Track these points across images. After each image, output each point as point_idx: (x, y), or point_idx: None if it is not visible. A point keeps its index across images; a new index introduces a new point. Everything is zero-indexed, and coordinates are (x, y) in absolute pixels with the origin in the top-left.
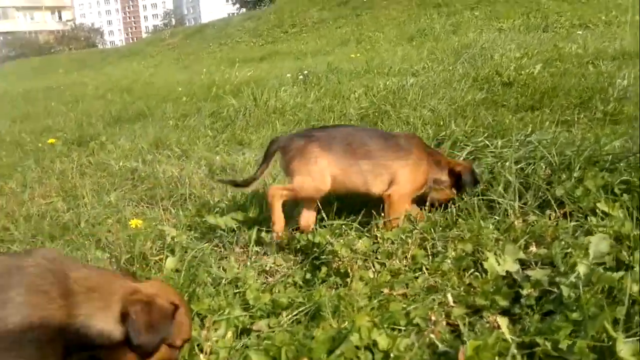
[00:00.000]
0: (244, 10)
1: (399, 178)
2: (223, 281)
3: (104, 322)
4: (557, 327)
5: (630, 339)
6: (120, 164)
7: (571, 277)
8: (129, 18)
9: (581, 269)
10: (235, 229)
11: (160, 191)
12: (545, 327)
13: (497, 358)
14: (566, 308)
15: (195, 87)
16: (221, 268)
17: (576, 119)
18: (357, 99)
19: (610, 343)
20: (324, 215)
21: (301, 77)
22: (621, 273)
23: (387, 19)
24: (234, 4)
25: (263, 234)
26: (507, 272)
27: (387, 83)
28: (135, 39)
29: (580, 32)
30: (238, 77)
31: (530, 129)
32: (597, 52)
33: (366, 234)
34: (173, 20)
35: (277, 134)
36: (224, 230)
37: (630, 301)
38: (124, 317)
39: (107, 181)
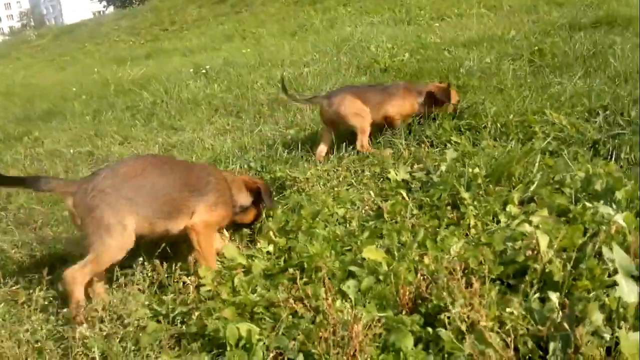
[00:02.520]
0: (112, 8)
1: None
2: None
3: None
4: (433, 193)
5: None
6: (72, 150)
7: (437, 172)
8: None
9: (442, 167)
10: None
11: None
12: (425, 194)
13: (401, 209)
14: (437, 185)
15: (89, 86)
16: None
17: None
18: (262, 88)
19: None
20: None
21: (202, 71)
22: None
23: (266, 15)
24: (100, 1)
25: None
26: (402, 179)
27: (285, 73)
28: None
29: (437, 24)
30: (131, 75)
31: None
32: (451, 41)
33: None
34: (32, 20)
35: (205, 117)
36: None
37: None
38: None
39: (66, 165)
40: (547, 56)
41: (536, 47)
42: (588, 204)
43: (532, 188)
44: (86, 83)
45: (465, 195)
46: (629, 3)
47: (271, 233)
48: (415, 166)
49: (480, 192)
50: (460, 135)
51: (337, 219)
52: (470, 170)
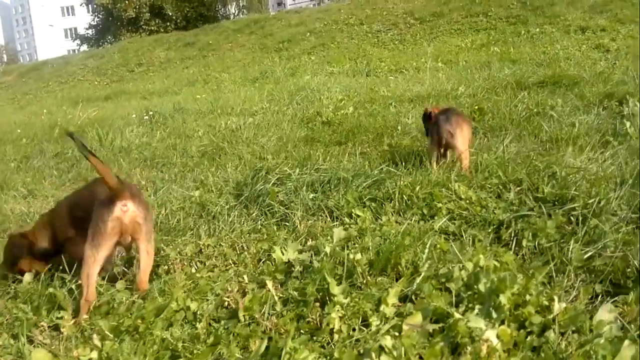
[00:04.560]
0: (85, 47)
1: None
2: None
3: None
4: (306, 283)
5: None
6: None
7: (321, 255)
8: None
9: (327, 249)
10: None
11: (12, 227)
12: (299, 284)
13: (262, 305)
14: (314, 273)
15: (35, 128)
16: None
17: (368, 151)
18: (200, 138)
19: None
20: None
21: (146, 117)
22: (348, 251)
23: (232, 60)
24: (73, 40)
25: None
26: (288, 259)
27: (228, 122)
28: None
29: (392, 77)
30: (82, 117)
31: (321, 159)
32: (400, 95)
33: (192, 241)
34: (5, 56)
35: (123, 171)
36: None
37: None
38: None
39: None
40: (487, 115)
41: (476, 106)
42: (458, 315)
43: (417, 280)
44: (34, 125)
45: (336, 290)
46: (578, 64)
47: (95, 337)
48: (309, 243)
49: (360, 283)
50: (363, 208)
51: (186, 317)
52: (352, 256)
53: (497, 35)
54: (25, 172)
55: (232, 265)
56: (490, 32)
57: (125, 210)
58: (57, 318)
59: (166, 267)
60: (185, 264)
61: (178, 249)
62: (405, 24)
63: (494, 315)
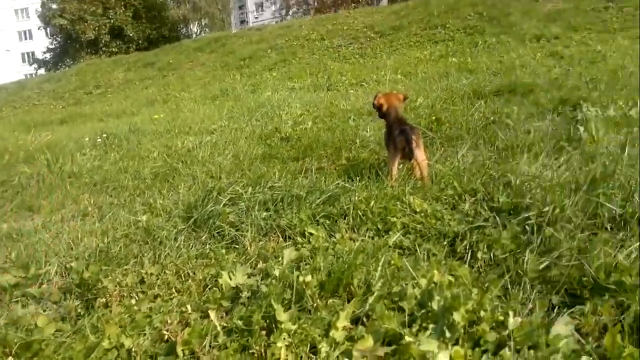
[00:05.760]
0: (43, 70)
1: None
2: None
3: None
4: (252, 311)
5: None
6: None
7: (269, 279)
8: None
9: (277, 272)
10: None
11: None
12: (245, 312)
13: (203, 337)
14: (261, 299)
15: None
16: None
17: (326, 166)
18: (154, 159)
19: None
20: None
21: (99, 140)
22: (298, 273)
23: (192, 79)
24: (31, 64)
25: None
26: (237, 284)
27: (185, 142)
28: None
29: (353, 91)
30: (35, 142)
31: (277, 177)
32: (359, 108)
33: (133, 270)
34: None
35: (73, 195)
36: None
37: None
38: None
39: None
40: (444, 125)
41: (434, 117)
42: (409, 339)
43: (369, 300)
44: None
45: (282, 316)
46: (533, 72)
47: None
48: (260, 265)
49: (311, 307)
50: (317, 226)
51: (119, 356)
52: (302, 278)
53: (455, 46)
54: None
55: (176, 294)
56: (448, 44)
57: None
58: None
59: (103, 299)
60: (125, 295)
61: (117, 280)
62: (366, 38)
63: (448, 334)
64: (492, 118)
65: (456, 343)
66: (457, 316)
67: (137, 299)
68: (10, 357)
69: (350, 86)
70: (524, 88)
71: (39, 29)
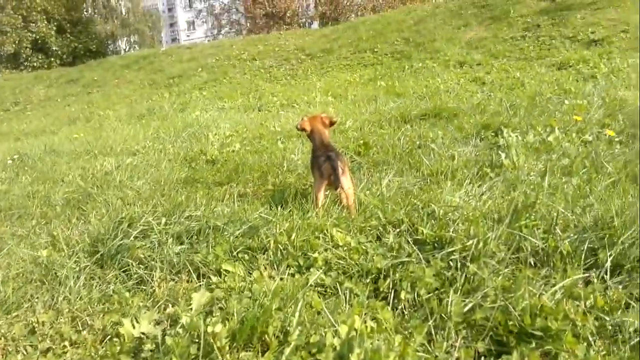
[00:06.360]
0: None
1: None
2: None
3: None
4: None
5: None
6: None
7: (177, 328)
8: None
9: (184, 320)
10: None
11: None
12: None
13: None
14: (165, 354)
15: None
16: None
17: (251, 191)
18: (68, 183)
19: None
20: None
21: (10, 161)
22: (210, 319)
23: (118, 97)
24: None
25: None
26: (142, 333)
27: (104, 164)
28: None
29: (283, 112)
30: None
31: (197, 204)
32: (289, 130)
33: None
34: None
35: None
36: None
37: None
38: None
39: None
40: (372, 149)
41: (362, 140)
42: None
43: (286, 353)
44: None
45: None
46: (457, 97)
47: None
48: (168, 310)
49: None
50: (235, 262)
51: None
52: (210, 328)
53: (383, 70)
54: None
55: (69, 347)
56: (377, 67)
57: None
58: None
59: None
60: (11, 349)
61: (2, 331)
62: (297, 60)
63: None
64: (418, 143)
65: None
66: None
67: (24, 353)
68: None
69: (282, 107)
70: (448, 112)
71: None
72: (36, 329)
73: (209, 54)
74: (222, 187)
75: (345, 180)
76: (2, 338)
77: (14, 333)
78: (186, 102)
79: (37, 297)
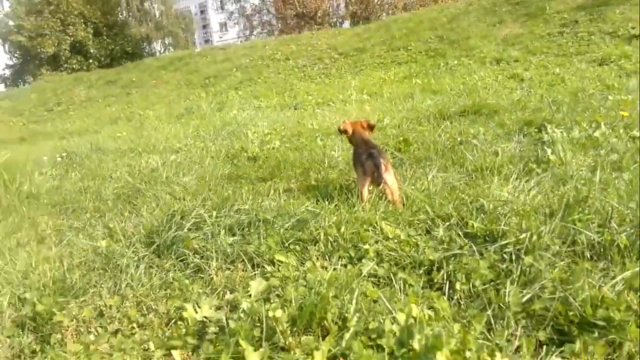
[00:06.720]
0: (2, 87)
1: None
2: None
3: None
4: (219, 350)
5: None
6: None
7: (239, 312)
8: None
9: (245, 305)
10: None
11: None
12: (213, 350)
13: None
14: (231, 335)
15: None
16: None
17: (295, 187)
18: (117, 179)
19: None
20: None
21: (59, 159)
22: (268, 306)
23: (157, 97)
24: None
25: None
26: (204, 317)
27: (149, 161)
28: None
29: (319, 110)
30: None
31: (244, 199)
32: (327, 128)
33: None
34: None
35: (31, 218)
36: None
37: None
38: None
39: None
40: (412, 145)
41: (401, 137)
42: None
43: (346, 337)
44: None
45: (252, 357)
46: (496, 93)
47: None
48: (227, 296)
49: (283, 344)
50: (287, 252)
51: None
52: (271, 313)
53: (417, 67)
54: None
55: (137, 329)
56: (411, 65)
57: None
58: None
59: (59, 336)
60: (82, 330)
61: (73, 313)
62: (330, 59)
63: None
64: (459, 139)
65: None
66: (440, 357)
67: (95, 334)
68: None
69: (317, 105)
70: (488, 109)
71: None
72: (104, 312)
73: (242, 54)
74: (265, 182)
75: (389, 177)
76: (74, 320)
77: (84, 316)
78: (223, 102)
79: (102, 284)
